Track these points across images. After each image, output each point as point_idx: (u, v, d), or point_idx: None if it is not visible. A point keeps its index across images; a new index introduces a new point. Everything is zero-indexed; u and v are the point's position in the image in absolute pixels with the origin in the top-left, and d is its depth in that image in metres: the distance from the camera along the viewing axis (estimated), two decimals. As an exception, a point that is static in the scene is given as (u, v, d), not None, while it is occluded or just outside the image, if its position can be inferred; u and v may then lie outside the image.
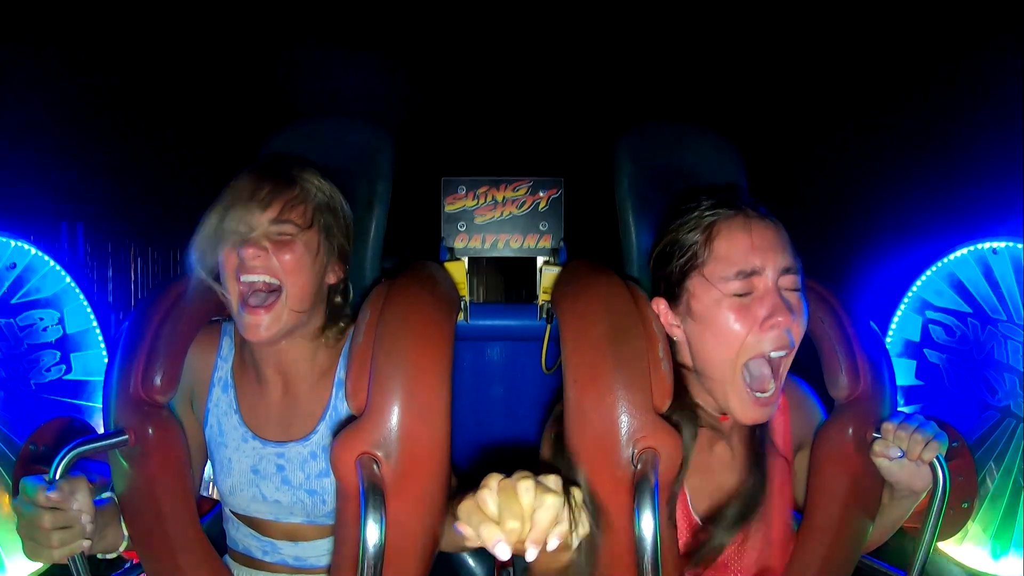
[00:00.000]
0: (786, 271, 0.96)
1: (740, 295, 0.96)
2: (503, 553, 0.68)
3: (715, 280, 0.97)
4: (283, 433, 1.13)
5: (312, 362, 1.14)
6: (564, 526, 0.71)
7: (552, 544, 0.70)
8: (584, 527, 0.75)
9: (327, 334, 1.15)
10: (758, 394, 0.97)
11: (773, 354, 0.96)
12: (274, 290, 1.06)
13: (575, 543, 0.76)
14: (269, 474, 1.12)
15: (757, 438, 1.09)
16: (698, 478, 1.06)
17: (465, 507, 0.72)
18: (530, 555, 0.69)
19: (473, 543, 0.72)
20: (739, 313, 0.95)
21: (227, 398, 1.15)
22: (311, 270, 1.08)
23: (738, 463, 1.09)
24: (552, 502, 0.70)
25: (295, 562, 1.16)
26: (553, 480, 0.72)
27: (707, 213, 1.01)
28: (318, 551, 1.15)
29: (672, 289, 1.04)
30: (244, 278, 1.05)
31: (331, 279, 1.15)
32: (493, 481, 0.71)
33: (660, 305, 1.06)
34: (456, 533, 0.74)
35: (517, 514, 0.69)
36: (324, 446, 1.11)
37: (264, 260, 1.05)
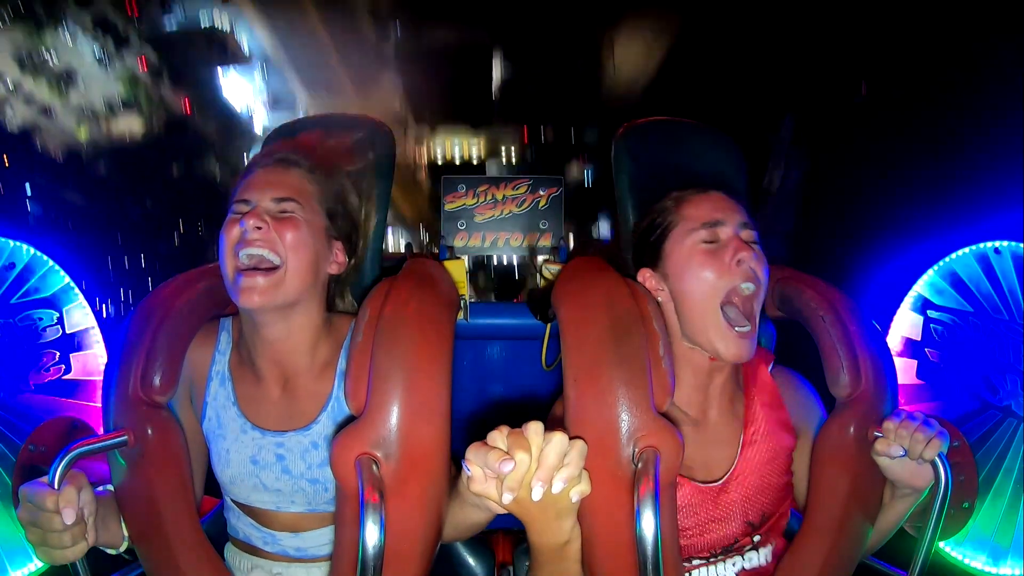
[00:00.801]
0: (744, 225, 1.11)
1: (707, 243, 1.10)
2: (507, 468, 0.72)
3: (685, 235, 1.11)
4: (283, 423, 1.13)
5: (311, 355, 1.14)
6: (571, 470, 0.75)
7: (557, 487, 0.74)
8: (586, 485, 0.78)
9: (326, 328, 1.15)
10: (737, 328, 1.07)
11: (743, 286, 1.08)
12: (274, 268, 1.06)
13: (575, 499, 0.78)
14: (268, 463, 1.12)
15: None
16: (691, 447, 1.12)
17: (474, 446, 0.76)
18: (536, 494, 0.73)
19: (478, 485, 0.75)
20: (708, 258, 1.09)
21: (225, 391, 1.15)
22: (312, 250, 1.09)
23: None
24: (560, 438, 0.74)
25: (296, 552, 1.15)
26: (562, 430, 0.77)
27: (675, 195, 1.17)
28: (318, 541, 1.15)
29: (651, 256, 1.16)
30: (244, 251, 1.05)
31: (332, 268, 1.15)
32: (504, 428, 0.76)
33: (645, 274, 1.16)
34: (463, 511, 0.81)
35: (526, 449, 0.74)
36: (326, 436, 1.11)
37: (265, 233, 1.05)
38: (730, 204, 1.13)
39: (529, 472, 0.74)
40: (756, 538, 1.13)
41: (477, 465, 0.75)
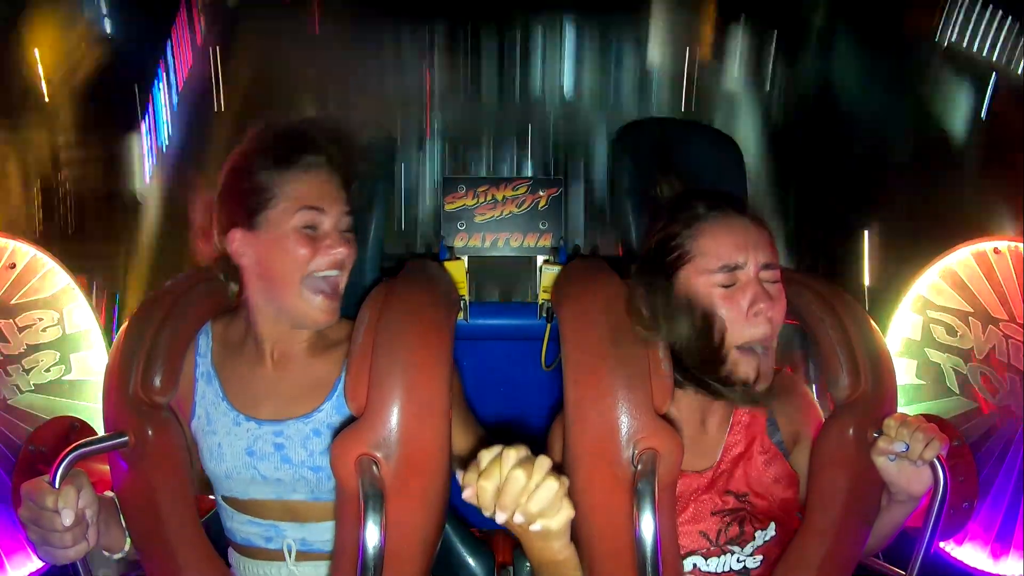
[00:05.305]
0: (766, 267, 1.05)
1: (724, 287, 1.03)
2: (466, 493, 0.76)
3: (699, 275, 1.04)
4: (280, 411, 1.12)
5: (314, 339, 1.15)
6: (532, 506, 0.76)
7: (518, 519, 0.76)
8: (568, 511, 0.79)
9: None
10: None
11: (759, 348, 1.03)
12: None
13: (555, 527, 0.79)
14: (266, 454, 1.11)
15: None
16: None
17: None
18: (499, 518, 0.76)
19: (469, 496, 0.78)
20: (724, 302, 1.02)
21: (212, 388, 1.15)
22: None
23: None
24: (517, 477, 0.75)
25: (301, 546, 1.14)
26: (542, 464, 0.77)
27: (694, 213, 1.08)
28: (323, 535, 1.13)
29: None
30: (324, 274, 1.09)
31: None
32: (494, 449, 0.78)
33: None
34: None
35: (495, 478, 0.75)
36: (330, 424, 1.10)
37: (349, 259, 1.12)
38: (754, 239, 1.05)
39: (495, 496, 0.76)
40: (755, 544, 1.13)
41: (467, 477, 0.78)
